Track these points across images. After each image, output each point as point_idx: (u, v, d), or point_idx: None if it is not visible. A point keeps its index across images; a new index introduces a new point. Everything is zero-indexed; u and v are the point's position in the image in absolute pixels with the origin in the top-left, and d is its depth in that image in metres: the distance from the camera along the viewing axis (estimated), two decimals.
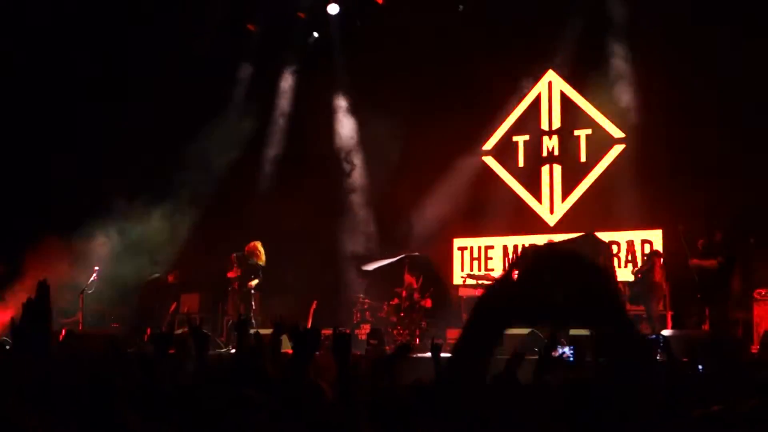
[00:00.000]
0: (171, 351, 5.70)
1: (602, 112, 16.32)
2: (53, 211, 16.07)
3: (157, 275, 16.59)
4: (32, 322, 3.18)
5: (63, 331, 14.24)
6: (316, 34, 18.45)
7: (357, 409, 4.01)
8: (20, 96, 16.26)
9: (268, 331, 6.77)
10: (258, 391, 2.46)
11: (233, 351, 13.81)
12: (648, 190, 14.78)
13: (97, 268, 15.90)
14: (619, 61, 15.72)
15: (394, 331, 14.24)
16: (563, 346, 9.47)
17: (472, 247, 17.09)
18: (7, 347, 6.82)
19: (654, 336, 6.18)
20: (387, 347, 13.43)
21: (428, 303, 14.47)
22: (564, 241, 14.81)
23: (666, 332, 11.54)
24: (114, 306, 16.54)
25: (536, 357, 4.94)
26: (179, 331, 11.48)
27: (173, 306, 16.22)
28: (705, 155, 14.05)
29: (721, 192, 13.57)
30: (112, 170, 16.62)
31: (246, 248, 15.09)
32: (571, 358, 8.58)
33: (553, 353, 4.30)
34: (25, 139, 16.55)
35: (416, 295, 14.46)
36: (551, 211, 16.58)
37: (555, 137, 16.79)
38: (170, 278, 16.44)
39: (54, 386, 2.96)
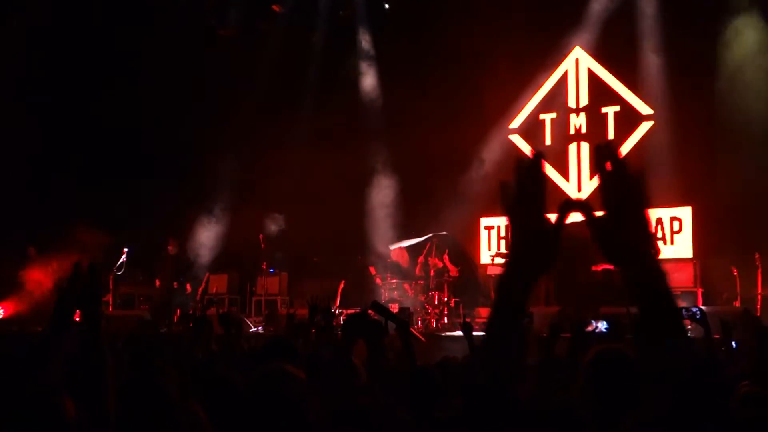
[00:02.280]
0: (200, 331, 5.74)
1: (630, 89, 16.15)
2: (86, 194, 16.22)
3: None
4: (83, 302, 3.21)
5: None
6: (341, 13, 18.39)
7: (388, 388, 4.01)
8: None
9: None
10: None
11: (261, 331, 13.94)
12: (677, 167, 14.64)
13: (126, 249, 16.01)
14: (648, 36, 15.55)
15: (422, 310, 14.25)
16: (597, 321, 9.42)
17: (499, 226, 17.00)
18: None
19: (694, 309, 6.07)
20: (413, 328, 13.45)
21: (455, 271, 14.48)
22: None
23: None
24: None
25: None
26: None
27: (201, 286, 16.30)
28: (737, 131, 13.88)
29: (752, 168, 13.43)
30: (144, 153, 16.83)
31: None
32: (605, 331, 8.54)
33: (587, 329, 4.27)
34: (64, 120, 16.74)
35: (446, 274, 14.48)
36: (579, 189, 16.47)
37: (582, 115, 16.65)
38: (170, 249, 16.23)
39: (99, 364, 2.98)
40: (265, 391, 2.00)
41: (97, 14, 16.41)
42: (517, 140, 17.19)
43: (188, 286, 15.90)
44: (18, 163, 16.39)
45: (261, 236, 15.91)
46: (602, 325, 9.09)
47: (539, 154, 1.97)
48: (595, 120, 16.49)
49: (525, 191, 1.94)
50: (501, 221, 16.96)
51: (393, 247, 15.89)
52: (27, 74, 16.24)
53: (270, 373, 2.06)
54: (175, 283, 16.02)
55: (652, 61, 15.58)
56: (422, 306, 14.28)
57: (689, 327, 9.77)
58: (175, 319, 15.08)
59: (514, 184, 1.95)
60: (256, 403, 1.97)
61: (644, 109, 15.99)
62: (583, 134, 16.59)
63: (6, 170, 16.07)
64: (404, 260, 15.47)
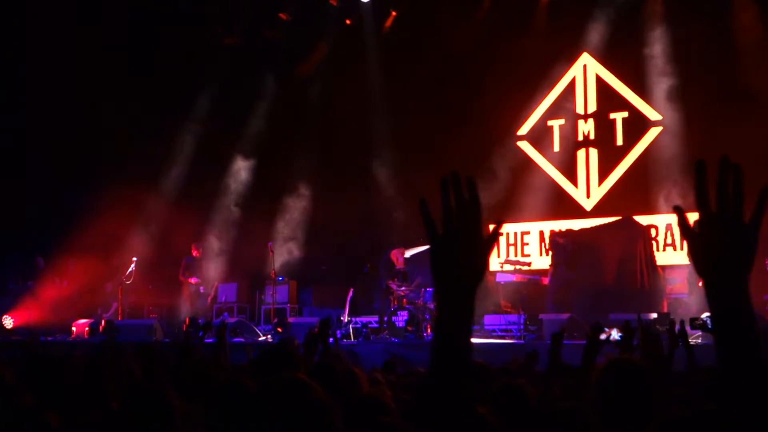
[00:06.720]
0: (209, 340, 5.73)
1: (639, 95, 16.11)
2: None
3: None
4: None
5: (102, 322, 14.45)
6: (348, 22, 18.37)
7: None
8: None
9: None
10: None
11: (270, 340, 13.92)
12: (685, 172, 14.57)
13: (135, 258, 16.02)
14: (656, 41, 15.53)
15: (433, 317, 14.19)
16: (610, 329, 9.35)
17: (508, 233, 16.96)
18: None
19: (704, 318, 6.00)
20: (425, 333, 13.40)
21: None
22: (601, 226, 14.72)
23: None
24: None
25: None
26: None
27: (211, 295, 16.32)
28: (747, 136, 13.81)
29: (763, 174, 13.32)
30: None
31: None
32: (619, 339, 8.47)
33: (601, 336, 4.23)
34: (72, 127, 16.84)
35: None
36: (588, 196, 16.42)
37: (591, 121, 16.61)
38: (194, 252, 16.38)
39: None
40: (284, 400, 1.97)
41: (98, 23, 16.48)
42: (526, 146, 17.15)
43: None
44: (21, 171, 16.48)
45: (270, 245, 15.88)
46: (615, 334, 9.02)
47: (470, 178, 1.85)
48: (604, 126, 16.44)
49: (464, 210, 1.85)
50: (510, 228, 16.91)
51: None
52: (30, 80, 16.35)
53: (286, 382, 2.04)
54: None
55: (660, 66, 15.55)
56: (431, 313, 14.21)
57: (699, 335, 9.66)
58: (184, 328, 15.07)
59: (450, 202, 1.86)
60: (275, 413, 1.94)
61: (652, 114, 15.94)
62: (592, 140, 16.55)
63: (11, 178, 16.14)
64: (400, 262, 15.25)
